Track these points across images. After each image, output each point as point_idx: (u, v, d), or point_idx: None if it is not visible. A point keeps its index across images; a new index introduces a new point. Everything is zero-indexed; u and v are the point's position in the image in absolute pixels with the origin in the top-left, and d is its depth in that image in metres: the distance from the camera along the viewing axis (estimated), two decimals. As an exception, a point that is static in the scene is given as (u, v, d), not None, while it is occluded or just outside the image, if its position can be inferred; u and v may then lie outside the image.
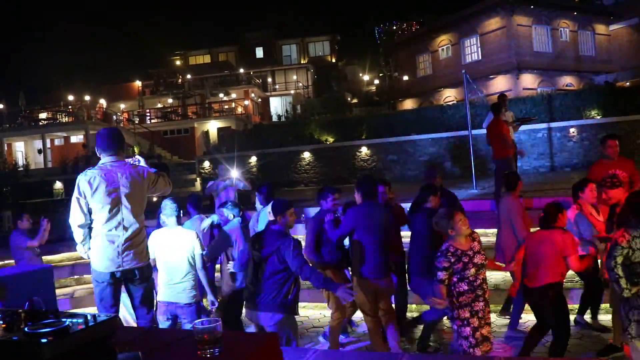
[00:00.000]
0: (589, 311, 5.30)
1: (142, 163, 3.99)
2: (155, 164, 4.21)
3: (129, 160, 3.93)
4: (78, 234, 3.72)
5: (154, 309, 4.30)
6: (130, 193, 3.68)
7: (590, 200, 5.01)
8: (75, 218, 3.68)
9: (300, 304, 6.75)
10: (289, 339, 4.06)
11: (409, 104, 29.99)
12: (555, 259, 4.19)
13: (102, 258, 3.66)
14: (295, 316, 4.29)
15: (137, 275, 3.74)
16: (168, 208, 4.58)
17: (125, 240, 3.66)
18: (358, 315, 5.81)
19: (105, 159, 3.74)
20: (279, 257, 3.91)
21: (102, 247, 3.66)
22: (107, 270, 3.66)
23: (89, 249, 3.74)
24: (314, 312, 6.54)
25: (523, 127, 12.95)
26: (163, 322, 4.60)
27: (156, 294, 4.73)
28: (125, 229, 3.67)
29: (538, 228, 4.49)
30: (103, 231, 3.66)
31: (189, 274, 4.53)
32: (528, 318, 5.60)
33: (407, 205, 5.61)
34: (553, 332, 4.37)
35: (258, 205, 5.86)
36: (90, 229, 3.71)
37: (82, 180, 3.66)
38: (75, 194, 3.66)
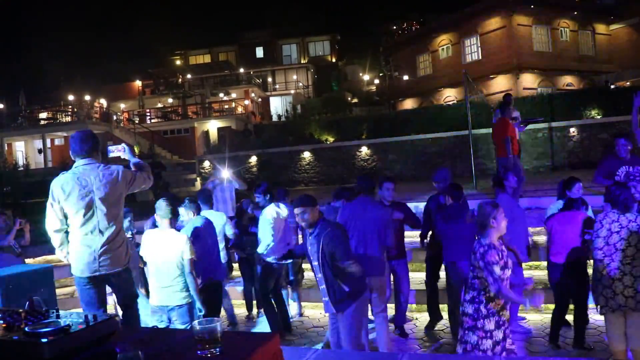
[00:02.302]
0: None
1: (127, 152, 3.95)
2: (152, 163, 4.19)
3: (113, 148, 3.91)
4: (55, 239, 3.70)
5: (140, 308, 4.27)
6: (104, 196, 3.62)
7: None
8: (51, 224, 3.65)
9: (302, 303, 6.77)
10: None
11: (409, 104, 29.99)
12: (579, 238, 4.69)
13: (79, 263, 3.63)
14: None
15: (115, 279, 3.71)
16: (162, 209, 4.43)
17: (102, 244, 3.61)
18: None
19: (78, 162, 3.68)
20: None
21: (78, 251, 3.63)
22: (84, 275, 3.63)
23: (68, 253, 3.71)
24: (314, 312, 6.53)
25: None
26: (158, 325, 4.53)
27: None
28: (101, 233, 3.62)
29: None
30: (79, 236, 3.61)
31: (179, 277, 4.40)
32: (529, 317, 5.61)
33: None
34: (575, 304, 4.86)
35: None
36: (67, 233, 3.68)
37: (55, 185, 3.62)
38: (49, 199, 3.63)
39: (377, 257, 4.73)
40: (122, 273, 3.73)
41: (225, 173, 8.36)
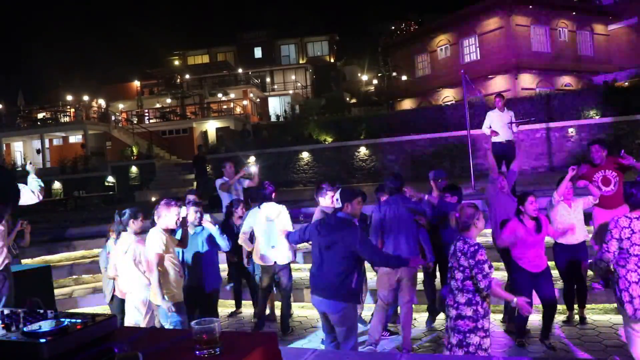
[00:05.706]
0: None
1: (30, 168, 4.16)
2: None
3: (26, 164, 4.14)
4: None
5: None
6: None
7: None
8: None
9: (300, 304, 6.78)
10: (351, 328, 4.05)
11: (407, 104, 29.99)
12: None
13: None
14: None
15: None
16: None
17: None
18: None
19: None
20: (345, 245, 3.88)
21: None
22: None
23: None
24: (313, 312, 6.52)
25: (521, 127, 12.97)
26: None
27: None
28: None
29: None
30: None
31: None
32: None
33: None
34: None
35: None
36: None
37: None
38: None
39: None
40: None
41: (253, 168, 8.32)
